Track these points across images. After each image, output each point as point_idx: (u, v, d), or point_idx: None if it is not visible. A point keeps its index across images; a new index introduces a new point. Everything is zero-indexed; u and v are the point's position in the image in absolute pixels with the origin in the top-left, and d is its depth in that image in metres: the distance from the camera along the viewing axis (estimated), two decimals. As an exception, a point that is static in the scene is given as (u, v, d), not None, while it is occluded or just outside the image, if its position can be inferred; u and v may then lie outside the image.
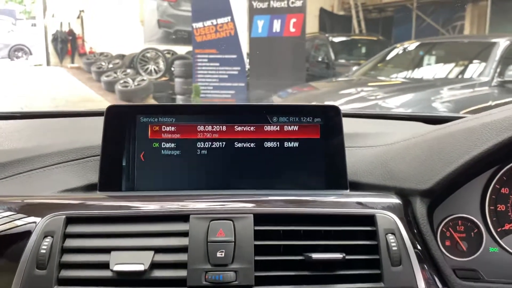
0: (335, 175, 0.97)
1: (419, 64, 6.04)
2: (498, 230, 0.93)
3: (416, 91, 5.00)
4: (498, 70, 4.70)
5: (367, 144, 1.08)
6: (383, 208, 0.86)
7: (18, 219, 0.85)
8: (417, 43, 6.92)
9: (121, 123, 0.99)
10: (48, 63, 10.89)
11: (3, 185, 0.95)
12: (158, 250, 0.81)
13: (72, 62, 10.93)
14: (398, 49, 7.15)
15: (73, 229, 0.83)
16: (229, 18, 6.33)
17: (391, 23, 10.37)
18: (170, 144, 0.99)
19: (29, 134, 1.17)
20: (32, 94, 8.34)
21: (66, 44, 11.54)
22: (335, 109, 1.00)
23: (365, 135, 1.13)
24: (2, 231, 0.84)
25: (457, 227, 0.94)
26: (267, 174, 0.98)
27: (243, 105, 1.02)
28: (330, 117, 1.00)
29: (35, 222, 0.83)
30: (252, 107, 1.02)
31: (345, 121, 1.01)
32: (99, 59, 9.58)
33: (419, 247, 0.84)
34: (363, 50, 9.22)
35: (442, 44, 6.48)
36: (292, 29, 6.39)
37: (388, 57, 7.00)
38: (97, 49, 10.70)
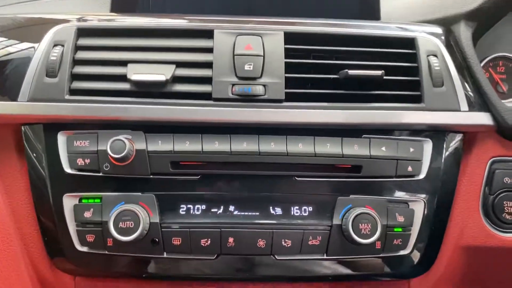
0: (367, 6, 0.89)
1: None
2: (542, 70, 0.87)
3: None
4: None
5: None
6: (424, 33, 0.79)
7: (26, 30, 0.77)
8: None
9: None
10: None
11: (12, 8, 0.86)
12: (179, 64, 0.74)
13: None
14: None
15: (85, 41, 0.75)
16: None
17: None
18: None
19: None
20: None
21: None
22: None
23: None
24: (9, 43, 0.76)
25: (498, 68, 0.88)
26: (297, 5, 0.90)
27: None
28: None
29: (43, 33, 0.75)
30: None
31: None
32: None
33: (462, 70, 0.78)
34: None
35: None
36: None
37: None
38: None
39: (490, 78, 0.88)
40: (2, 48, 0.76)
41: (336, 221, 0.72)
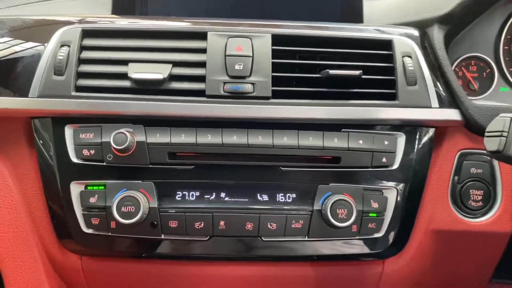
0: (350, 9, 0.96)
1: None
2: (511, 70, 0.94)
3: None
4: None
5: None
6: (400, 35, 0.86)
7: (35, 31, 0.84)
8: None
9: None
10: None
11: (19, 9, 0.93)
12: (176, 63, 0.81)
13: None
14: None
15: (89, 42, 0.82)
16: None
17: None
18: (184, -20, 0.96)
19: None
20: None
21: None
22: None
23: None
24: (19, 43, 0.83)
25: (470, 67, 0.95)
26: (283, 7, 0.97)
27: None
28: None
29: (51, 34, 0.81)
30: None
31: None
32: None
33: (434, 70, 0.85)
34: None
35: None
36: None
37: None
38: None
39: (463, 77, 0.95)
40: (12, 47, 0.83)
41: (317, 206, 0.80)
